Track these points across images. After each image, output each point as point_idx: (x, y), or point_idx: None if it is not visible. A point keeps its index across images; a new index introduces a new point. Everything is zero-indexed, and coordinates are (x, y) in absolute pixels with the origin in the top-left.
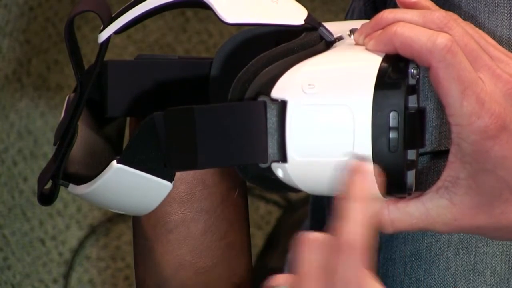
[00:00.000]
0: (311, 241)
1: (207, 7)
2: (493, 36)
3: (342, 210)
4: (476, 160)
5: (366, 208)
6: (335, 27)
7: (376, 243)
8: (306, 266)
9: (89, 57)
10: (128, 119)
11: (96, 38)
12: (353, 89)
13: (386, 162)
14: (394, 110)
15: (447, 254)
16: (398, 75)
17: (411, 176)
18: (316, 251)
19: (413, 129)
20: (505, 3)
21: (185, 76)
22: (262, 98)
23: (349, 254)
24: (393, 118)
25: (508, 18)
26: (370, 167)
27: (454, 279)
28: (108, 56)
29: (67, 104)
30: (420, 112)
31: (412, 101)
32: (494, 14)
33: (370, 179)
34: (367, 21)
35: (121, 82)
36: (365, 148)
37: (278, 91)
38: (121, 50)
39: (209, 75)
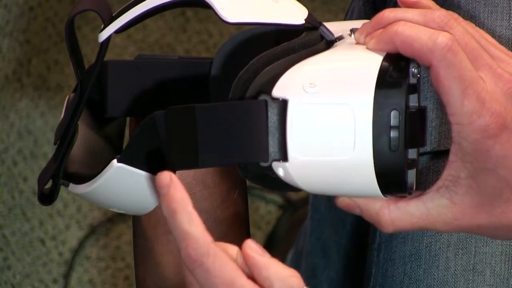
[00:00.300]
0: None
1: (208, 7)
2: (493, 36)
3: (174, 229)
4: (477, 159)
5: (192, 215)
6: (335, 27)
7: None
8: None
9: (89, 57)
10: (128, 119)
11: (97, 38)
12: (354, 88)
13: (387, 161)
14: (395, 109)
15: (446, 254)
16: (399, 74)
17: (411, 175)
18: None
19: (414, 128)
20: (504, 3)
21: (185, 76)
22: (263, 97)
23: (199, 266)
24: (394, 117)
25: (508, 18)
26: (174, 177)
27: (454, 279)
28: (108, 56)
29: (67, 104)
30: (421, 111)
31: (413, 100)
32: (493, 14)
33: (179, 188)
34: (367, 21)
35: (121, 82)
36: (366, 147)
37: (279, 90)
38: (121, 50)
39: (209, 75)
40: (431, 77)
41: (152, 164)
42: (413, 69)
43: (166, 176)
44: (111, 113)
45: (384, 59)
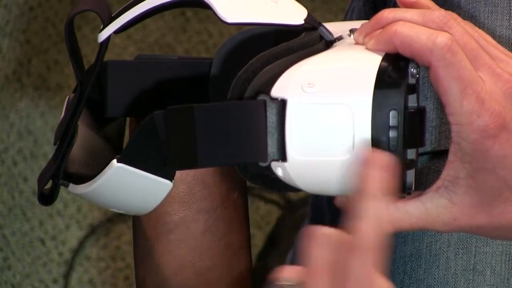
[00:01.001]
0: (320, 237)
1: (207, 7)
2: (493, 36)
3: (357, 208)
4: (476, 159)
5: (381, 207)
6: (335, 27)
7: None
8: (316, 263)
9: (89, 57)
10: (128, 119)
11: (96, 39)
12: (353, 88)
13: None
14: (394, 109)
15: (447, 254)
16: (398, 74)
17: (410, 175)
18: (327, 247)
19: (412, 128)
20: (504, 3)
21: (185, 76)
22: (262, 97)
23: (362, 254)
24: (393, 117)
25: (508, 18)
26: (387, 160)
27: (454, 279)
28: (108, 56)
29: (67, 104)
30: (420, 112)
31: (412, 101)
32: (494, 14)
33: (387, 174)
34: (367, 21)
35: (121, 82)
36: (365, 147)
37: (278, 90)
38: (121, 50)
39: (209, 75)
40: (430, 77)
41: (152, 164)
42: (412, 69)
43: (380, 157)
44: (111, 113)
45: (383, 59)
